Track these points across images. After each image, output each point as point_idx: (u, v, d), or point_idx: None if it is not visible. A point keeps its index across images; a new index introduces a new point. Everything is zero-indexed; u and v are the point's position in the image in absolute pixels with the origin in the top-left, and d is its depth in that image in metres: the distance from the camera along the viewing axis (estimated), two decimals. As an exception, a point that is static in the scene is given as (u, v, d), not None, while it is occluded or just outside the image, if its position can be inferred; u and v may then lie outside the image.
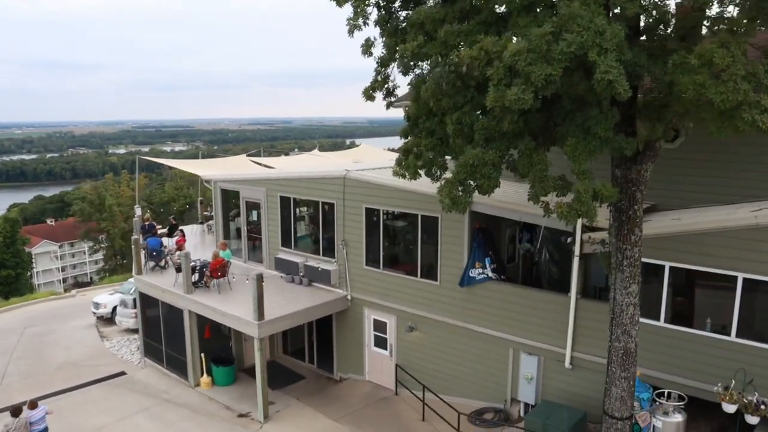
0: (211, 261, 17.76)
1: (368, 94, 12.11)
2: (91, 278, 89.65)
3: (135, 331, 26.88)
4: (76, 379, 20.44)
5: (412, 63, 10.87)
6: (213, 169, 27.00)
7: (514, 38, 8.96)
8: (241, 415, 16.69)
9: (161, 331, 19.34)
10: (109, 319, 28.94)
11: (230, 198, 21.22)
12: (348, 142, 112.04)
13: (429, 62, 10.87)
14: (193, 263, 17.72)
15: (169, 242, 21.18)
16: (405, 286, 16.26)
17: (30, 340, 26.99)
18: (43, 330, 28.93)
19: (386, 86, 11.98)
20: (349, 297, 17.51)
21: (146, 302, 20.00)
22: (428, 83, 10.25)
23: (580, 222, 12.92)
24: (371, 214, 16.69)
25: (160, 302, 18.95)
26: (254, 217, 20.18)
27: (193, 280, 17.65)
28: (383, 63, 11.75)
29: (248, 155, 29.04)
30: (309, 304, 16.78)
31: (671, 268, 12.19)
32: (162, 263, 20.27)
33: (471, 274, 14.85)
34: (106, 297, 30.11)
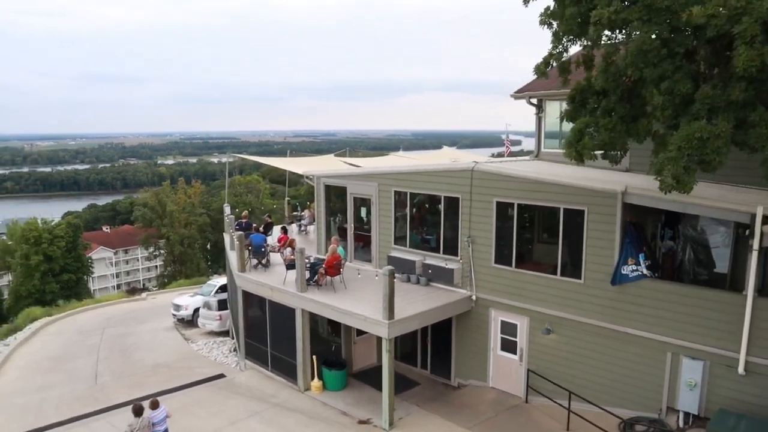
0: (327, 257, 16.94)
1: (541, 70, 11.19)
2: (144, 285, 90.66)
3: (220, 333, 26.40)
4: (173, 381, 19.85)
5: (605, 31, 9.87)
6: (306, 166, 26.40)
7: None
8: (361, 422, 15.73)
9: (266, 332, 18.57)
10: (189, 322, 28.55)
11: (334, 195, 20.46)
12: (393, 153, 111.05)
13: (625, 30, 9.88)
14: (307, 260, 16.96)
15: (269, 240, 20.50)
16: (541, 285, 15.16)
17: (113, 341, 26.75)
18: (123, 331, 28.72)
19: (561, 60, 11.03)
20: (473, 297, 16.47)
21: (249, 301, 19.29)
22: (630, 50, 9.21)
23: (760, 211, 11.68)
24: (503, 208, 15.66)
25: (267, 301, 18.19)
26: (363, 214, 19.34)
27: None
28: (559, 36, 10.78)
29: (336, 155, 28.38)
30: (435, 304, 15.80)
31: None
32: (264, 261, 19.56)
33: (623, 272, 13.68)
34: (186, 299, 29.75)
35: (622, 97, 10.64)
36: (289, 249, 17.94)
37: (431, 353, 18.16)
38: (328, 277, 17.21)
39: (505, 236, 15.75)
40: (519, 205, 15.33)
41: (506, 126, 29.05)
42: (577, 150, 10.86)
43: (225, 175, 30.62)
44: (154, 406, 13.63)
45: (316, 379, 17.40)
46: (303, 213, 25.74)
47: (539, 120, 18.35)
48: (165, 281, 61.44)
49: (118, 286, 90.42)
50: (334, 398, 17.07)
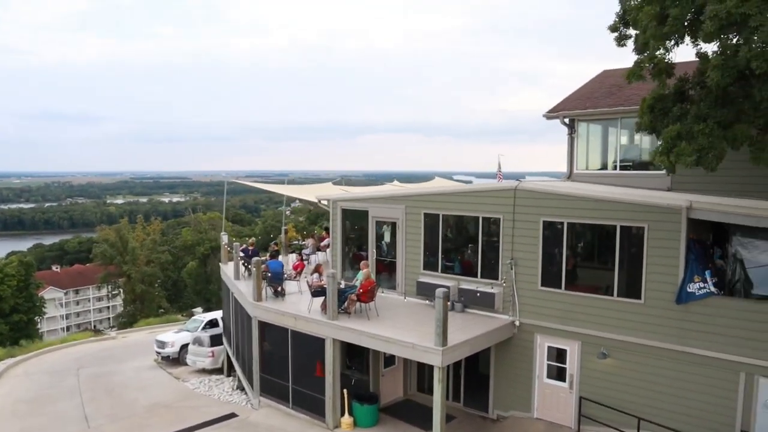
0: (362, 281, 15.89)
1: (636, 74, 10.73)
2: (95, 326, 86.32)
3: (213, 371, 24.71)
4: (180, 422, 18.21)
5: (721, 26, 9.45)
6: (301, 193, 25.42)
7: None
8: (405, 459, 14.54)
9: (288, 366, 17.20)
10: (175, 359, 26.75)
11: (350, 219, 19.49)
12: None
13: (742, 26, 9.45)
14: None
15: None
16: (595, 307, 14.49)
17: (93, 381, 24.77)
18: (102, 371, 26.73)
19: (662, 62, 10.59)
20: (516, 323, 15.66)
21: (265, 333, 17.91)
22: (757, 43, 8.81)
23: None
24: (551, 228, 15.04)
25: (290, 332, 16.90)
26: (387, 238, 18.41)
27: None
28: (656, 38, 10.36)
29: (334, 183, 27.44)
30: (481, 331, 14.90)
31: None
32: (279, 289, 18.30)
33: (689, 290, 13.16)
34: (171, 335, 27.99)
35: (716, 101, 10.26)
36: (316, 275, 16.78)
37: (464, 384, 17.15)
38: (359, 305, 16.15)
39: (552, 257, 15.09)
40: (569, 224, 14.74)
41: (498, 157, 28.79)
42: (671, 158, 10.34)
43: (223, 203, 29.07)
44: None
45: (346, 415, 16.11)
46: (306, 242, 24.57)
47: (571, 140, 18.00)
48: (124, 321, 58.39)
49: (68, 328, 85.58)
50: (367, 435, 15.81)
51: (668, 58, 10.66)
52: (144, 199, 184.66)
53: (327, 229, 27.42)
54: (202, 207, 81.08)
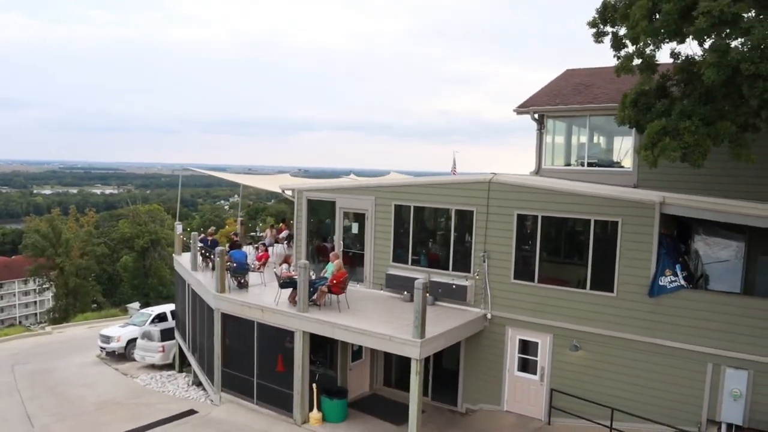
0: (334, 273, 15.55)
1: (625, 68, 10.85)
2: (20, 322, 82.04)
3: (163, 367, 23.77)
4: (135, 420, 17.36)
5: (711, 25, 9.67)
6: (260, 183, 24.77)
7: None
8: (378, 454, 14.32)
9: (253, 360, 16.66)
10: (121, 355, 25.62)
11: (315, 210, 19.09)
12: (287, 192, 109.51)
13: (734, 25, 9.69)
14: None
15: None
16: (568, 300, 14.67)
17: (32, 378, 23.44)
18: (40, 367, 25.36)
19: (651, 58, 10.75)
20: (488, 315, 15.68)
21: (229, 326, 17.30)
22: (753, 41, 9.03)
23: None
24: (525, 221, 15.13)
25: (256, 325, 16.38)
26: (354, 230, 18.10)
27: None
28: (645, 33, 10.50)
29: (292, 174, 26.86)
30: (455, 323, 14.83)
31: None
32: (243, 280, 17.72)
33: (661, 283, 13.51)
34: (117, 330, 26.85)
35: (700, 98, 10.50)
36: (285, 265, 16.31)
37: (432, 378, 17.06)
38: (328, 297, 15.81)
39: (526, 250, 15.19)
40: (543, 217, 14.86)
41: (454, 154, 28.96)
42: (655, 153, 10.52)
43: (178, 191, 27.97)
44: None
45: (315, 410, 15.74)
46: (263, 233, 23.92)
47: (540, 136, 18.19)
48: (56, 316, 55.63)
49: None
50: (338, 431, 15.49)
51: (656, 54, 10.85)
52: (74, 190, 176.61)
53: (283, 221, 26.84)
54: (140, 199, 78.02)
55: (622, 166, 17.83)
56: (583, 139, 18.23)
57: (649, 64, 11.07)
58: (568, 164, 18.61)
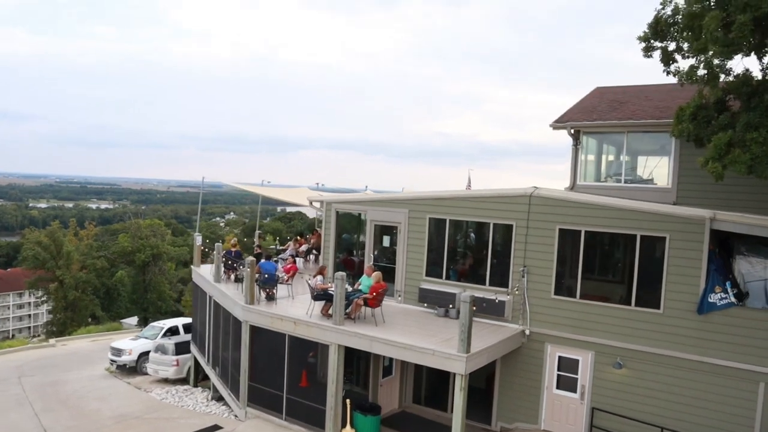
0: (372, 284, 15.23)
1: (691, 76, 10.71)
2: (13, 335, 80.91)
3: (176, 381, 23.27)
4: (157, 435, 16.83)
5: None
6: (274, 195, 24.52)
7: None
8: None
9: (283, 374, 16.24)
10: (132, 368, 25.08)
11: (342, 223, 18.83)
12: (279, 209, 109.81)
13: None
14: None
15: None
16: (611, 317, 14.40)
17: (42, 391, 22.90)
18: (49, 380, 24.80)
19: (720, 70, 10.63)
20: (527, 332, 15.38)
21: (255, 339, 16.89)
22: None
23: None
24: (566, 236, 14.90)
25: (287, 338, 15.99)
26: (385, 243, 17.82)
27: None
28: (721, 41, 10.36)
29: (310, 188, 26.63)
30: (496, 339, 14.51)
31: None
32: (271, 293, 17.35)
33: (711, 300, 13.27)
34: (128, 342, 26.31)
35: (766, 111, 10.37)
36: (319, 277, 15.98)
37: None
38: (364, 309, 15.48)
39: (568, 265, 14.95)
40: (587, 232, 14.64)
41: (468, 172, 28.93)
42: (724, 165, 10.35)
43: (198, 206, 27.64)
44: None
45: (348, 426, 15.31)
46: (285, 246, 23.59)
47: (576, 151, 18.06)
48: (53, 330, 54.80)
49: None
50: (370, 448, 15.06)
51: (727, 65, 10.75)
52: (70, 204, 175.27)
53: (300, 235, 26.55)
54: (143, 213, 77.59)
55: (656, 184, 17.69)
56: (621, 156, 18.09)
57: (715, 74, 10.95)
58: (604, 180, 18.46)
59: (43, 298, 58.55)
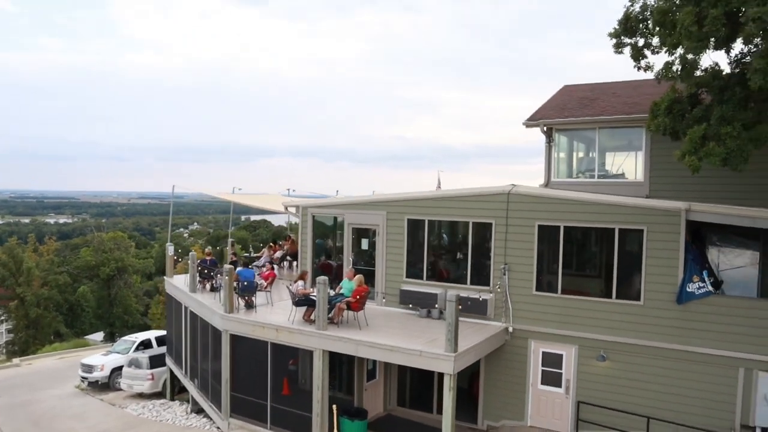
0: (355, 288, 15.11)
1: (667, 74, 10.92)
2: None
3: (152, 396, 22.74)
4: (138, 452, 16.39)
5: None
6: (246, 202, 24.20)
7: None
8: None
9: (267, 383, 15.99)
10: (104, 384, 24.44)
11: (319, 228, 18.67)
12: (243, 218, 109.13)
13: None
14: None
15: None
16: (592, 311, 14.58)
17: (11, 412, 22.23)
18: (17, 401, 23.99)
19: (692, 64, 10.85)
20: (510, 329, 15.46)
21: (236, 348, 16.59)
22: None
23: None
24: (546, 232, 15.04)
25: (269, 346, 15.74)
26: (364, 246, 17.72)
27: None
28: (694, 37, 10.59)
29: (283, 194, 26.31)
30: (481, 338, 14.54)
31: None
32: (250, 300, 17.07)
33: (689, 290, 13.54)
34: (100, 358, 25.64)
35: (739, 104, 10.63)
36: (301, 282, 15.78)
37: (450, 395, 16.63)
38: (346, 313, 15.35)
39: (548, 261, 15.09)
40: (566, 227, 14.80)
41: (438, 173, 29.12)
42: (700, 158, 10.57)
43: (170, 212, 27.10)
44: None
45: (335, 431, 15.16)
46: (260, 254, 23.27)
47: (549, 149, 18.25)
48: (15, 349, 52.95)
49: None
50: (359, 453, 14.92)
51: (699, 60, 10.98)
52: (26, 220, 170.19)
53: (274, 242, 26.25)
54: (104, 226, 75.84)
55: (628, 178, 18.01)
56: (592, 152, 18.38)
57: (690, 71, 11.19)
58: (578, 176, 18.72)
59: (2, 317, 56.54)
